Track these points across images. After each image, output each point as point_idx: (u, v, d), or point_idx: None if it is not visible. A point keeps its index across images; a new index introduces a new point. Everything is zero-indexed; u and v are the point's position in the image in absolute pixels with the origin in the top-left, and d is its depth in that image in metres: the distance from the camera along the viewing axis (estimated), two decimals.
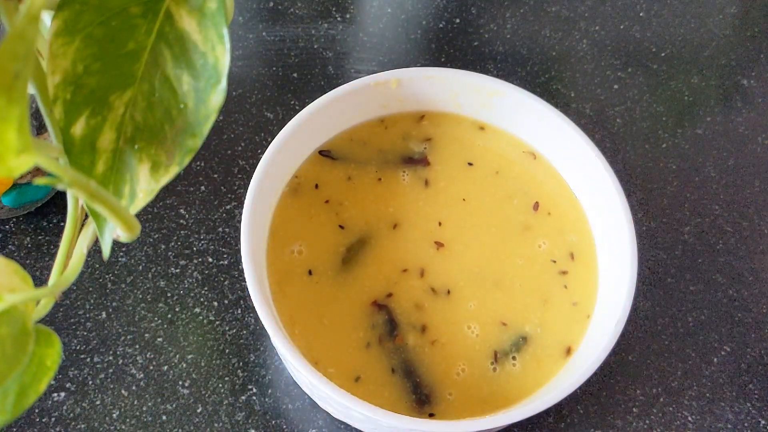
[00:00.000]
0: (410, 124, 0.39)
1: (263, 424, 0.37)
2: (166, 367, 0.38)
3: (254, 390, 0.37)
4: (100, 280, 0.40)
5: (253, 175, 0.34)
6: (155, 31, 0.20)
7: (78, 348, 0.38)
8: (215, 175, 0.43)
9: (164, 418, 0.37)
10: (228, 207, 0.42)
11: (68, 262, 0.22)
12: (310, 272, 0.35)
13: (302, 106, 0.36)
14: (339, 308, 0.34)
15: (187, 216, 0.41)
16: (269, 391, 0.37)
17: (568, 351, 0.34)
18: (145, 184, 0.21)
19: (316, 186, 0.37)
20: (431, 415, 0.32)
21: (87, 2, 0.20)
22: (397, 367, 0.33)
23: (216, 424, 0.36)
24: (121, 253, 0.40)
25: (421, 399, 0.33)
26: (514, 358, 0.34)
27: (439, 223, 0.36)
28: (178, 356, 0.38)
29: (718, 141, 0.47)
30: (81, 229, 0.22)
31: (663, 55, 0.50)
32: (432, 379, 0.33)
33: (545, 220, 0.37)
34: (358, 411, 0.30)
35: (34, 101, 0.36)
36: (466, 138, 0.38)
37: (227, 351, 0.38)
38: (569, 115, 0.37)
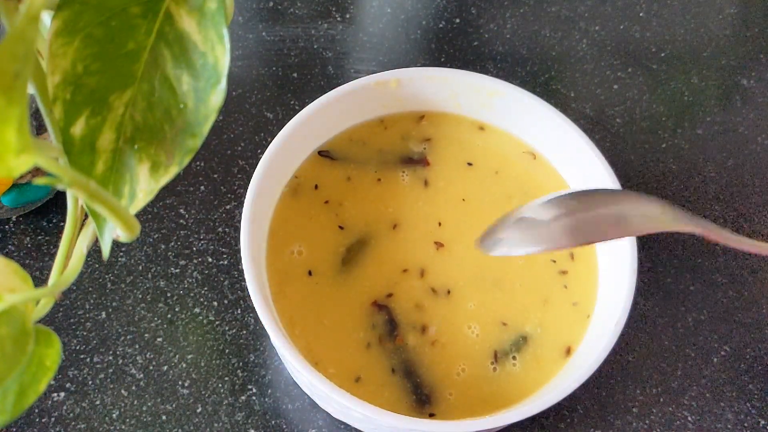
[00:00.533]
0: (410, 124, 0.38)
1: (263, 424, 0.37)
2: (165, 367, 0.38)
3: (254, 390, 0.37)
4: (100, 280, 0.40)
5: (253, 175, 0.34)
6: (155, 31, 0.20)
7: (78, 348, 0.38)
8: (215, 175, 0.43)
9: (164, 418, 0.37)
10: (228, 207, 0.42)
11: (68, 262, 0.22)
12: (310, 273, 0.35)
13: (302, 106, 0.36)
14: (339, 308, 0.34)
15: (186, 216, 0.41)
16: (269, 391, 0.37)
17: (568, 351, 0.34)
18: (144, 184, 0.21)
19: (316, 186, 0.37)
20: (431, 415, 0.32)
21: (87, 2, 0.20)
22: (397, 368, 0.33)
23: (216, 424, 0.36)
24: (121, 253, 0.40)
25: (421, 399, 0.33)
26: (514, 358, 0.34)
27: (439, 224, 0.36)
28: (177, 356, 0.38)
29: (718, 141, 0.47)
30: (81, 229, 0.22)
31: (663, 55, 0.50)
32: (432, 379, 0.33)
33: None
34: (358, 411, 0.30)
35: (34, 101, 0.36)
36: (465, 138, 0.38)
37: (227, 351, 0.38)
38: (569, 115, 0.37)
